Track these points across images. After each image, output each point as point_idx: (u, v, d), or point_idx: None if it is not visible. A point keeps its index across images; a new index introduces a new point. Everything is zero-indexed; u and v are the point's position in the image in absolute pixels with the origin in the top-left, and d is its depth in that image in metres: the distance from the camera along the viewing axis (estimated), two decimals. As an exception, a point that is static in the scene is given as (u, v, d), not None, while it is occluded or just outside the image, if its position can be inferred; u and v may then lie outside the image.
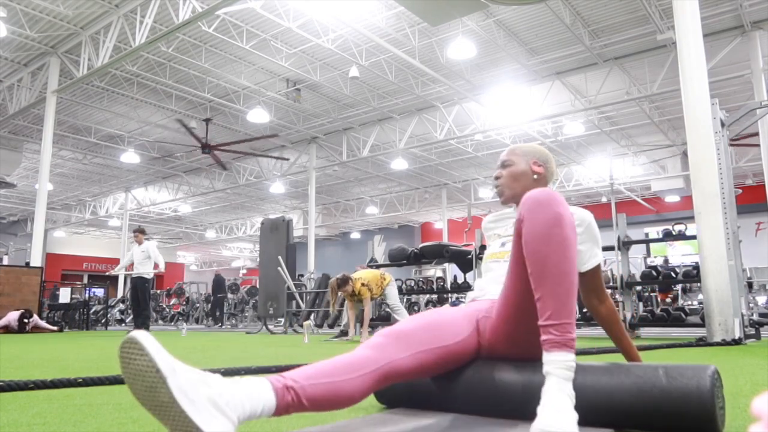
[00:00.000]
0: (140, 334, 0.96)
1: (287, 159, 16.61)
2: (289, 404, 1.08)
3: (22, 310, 10.03)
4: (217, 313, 16.05)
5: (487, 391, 1.47)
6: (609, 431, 1.30)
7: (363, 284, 6.72)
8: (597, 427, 1.31)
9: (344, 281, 6.67)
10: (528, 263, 1.30)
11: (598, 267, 1.65)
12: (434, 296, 11.97)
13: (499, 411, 1.45)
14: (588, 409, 1.30)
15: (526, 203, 1.33)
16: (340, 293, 6.86)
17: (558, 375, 1.23)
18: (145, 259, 9.28)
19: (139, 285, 9.25)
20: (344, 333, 7.17)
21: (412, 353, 1.33)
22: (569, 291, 1.26)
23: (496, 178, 1.75)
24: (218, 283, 16.37)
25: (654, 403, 1.26)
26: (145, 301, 9.28)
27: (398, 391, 1.67)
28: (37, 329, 10.27)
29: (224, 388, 1.00)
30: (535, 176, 1.71)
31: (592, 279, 1.64)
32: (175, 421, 0.94)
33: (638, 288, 8.41)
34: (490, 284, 1.66)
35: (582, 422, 1.25)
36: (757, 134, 10.30)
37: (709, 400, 1.22)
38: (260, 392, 1.04)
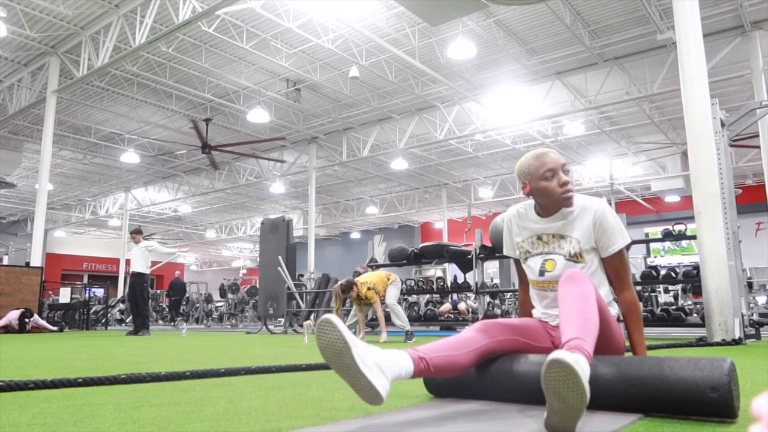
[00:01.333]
0: (333, 317, 1.34)
1: (284, 161, 16.66)
2: (422, 370, 1.48)
3: (23, 309, 10.03)
4: (173, 312, 16.98)
5: (528, 382, 1.66)
6: (638, 416, 1.47)
7: (369, 288, 6.68)
8: (627, 413, 1.49)
9: (349, 287, 6.62)
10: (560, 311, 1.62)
11: (617, 255, 1.81)
12: (435, 296, 11.96)
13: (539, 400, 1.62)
14: (618, 396, 1.51)
15: (563, 281, 1.67)
16: (346, 298, 6.82)
17: None
18: (141, 258, 9.27)
19: (137, 285, 9.25)
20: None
21: (505, 338, 1.71)
22: (586, 322, 1.50)
23: (567, 183, 1.79)
24: (174, 286, 16.99)
25: (678, 390, 1.44)
26: (144, 301, 9.28)
27: (443, 384, 1.87)
28: (37, 328, 10.27)
29: (384, 356, 1.39)
30: None
31: (611, 265, 1.83)
32: (354, 377, 1.33)
33: (638, 288, 8.42)
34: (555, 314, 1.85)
35: (613, 408, 1.51)
36: (756, 135, 10.29)
37: (728, 388, 1.40)
38: (404, 361, 1.44)
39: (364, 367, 1.32)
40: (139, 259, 9.28)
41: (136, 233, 9.48)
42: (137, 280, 9.26)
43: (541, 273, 1.85)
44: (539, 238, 1.87)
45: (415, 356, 1.47)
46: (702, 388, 1.42)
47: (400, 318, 6.88)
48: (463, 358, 1.57)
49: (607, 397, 1.52)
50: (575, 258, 1.80)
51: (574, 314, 1.52)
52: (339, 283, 6.74)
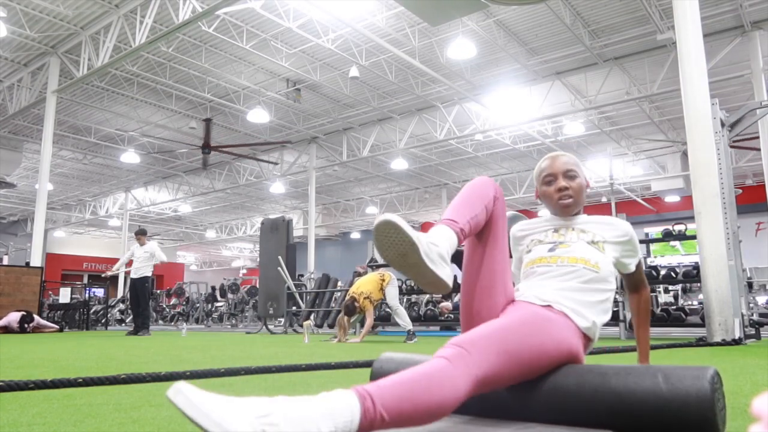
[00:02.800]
0: (393, 216, 1.27)
1: (276, 163, 16.76)
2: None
3: (23, 313, 9.98)
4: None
5: (512, 395, 1.41)
6: None
7: (365, 297, 6.78)
8: (595, 429, 1.29)
9: (352, 307, 6.71)
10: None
11: (636, 267, 1.79)
12: (435, 296, 11.95)
13: (519, 415, 1.41)
14: (587, 410, 1.30)
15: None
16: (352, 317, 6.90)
17: None
18: (147, 259, 9.26)
19: (139, 285, 9.25)
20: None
21: None
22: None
23: (564, 189, 1.71)
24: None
25: (652, 408, 1.24)
26: (145, 301, 9.28)
27: None
28: (38, 329, 10.26)
29: (442, 244, 1.36)
30: (588, 190, 1.80)
31: (634, 277, 1.82)
32: (420, 273, 1.30)
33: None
34: (546, 292, 1.57)
35: (581, 423, 1.29)
36: (757, 137, 10.28)
37: (709, 405, 1.19)
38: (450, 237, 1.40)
39: (430, 262, 1.30)
40: (142, 262, 9.26)
41: (141, 234, 9.46)
42: (139, 279, 9.25)
43: (552, 249, 1.68)
44: (556, 230, 1.74)
45: (456, 229, 1.46)
46: (681, 408, 1.21)
47: (402, 318, 6.91)
48: None
49: (572, 410, 1.33)
50: (596, 245, 1.66)
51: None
52: (342, 313, 6.78)
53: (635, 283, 1.84)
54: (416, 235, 1.29)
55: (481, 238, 1.55)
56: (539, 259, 1.67)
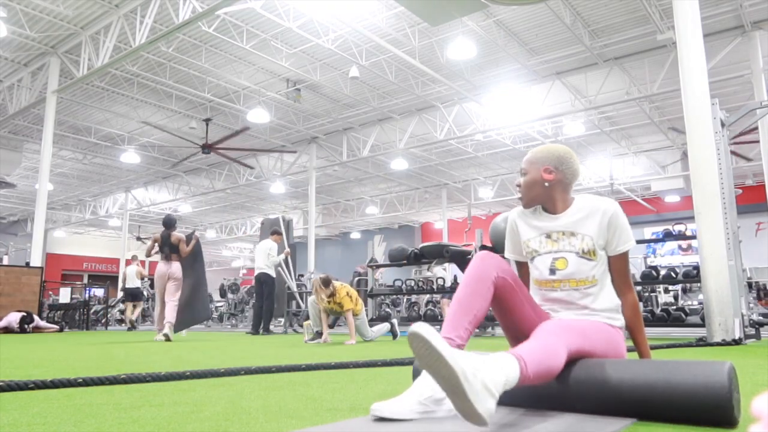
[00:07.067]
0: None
1: (253, 168, 16.99)
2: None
3: (23, 314, 9.97)
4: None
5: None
6: (632, 421, 1.43)
7: (347, 293, 6.34)
8: (620, 417, 1.46)
9: (327, 281, 6.30)
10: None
11: (622, 255, 1.81)
12: (436, 296, 11.95)
13: (535, 403, 1.60)
14: (612, 400, 1.47)
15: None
16: (323, 297, 6.49)
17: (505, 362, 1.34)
18: (265, 257, 9.57)
19: (264, 279, 9.54)
20: (319, 334, 6.90)
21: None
22: (543, 348, 1.46)
23: (518, 185, 1.89)
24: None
25: (674, 396, 1.40)
26: (270, 296, 9.51)
27: None
28: (38, 329, 10.26)
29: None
30: (546, 184, 1.82)
31: (615, 264, 1.83)
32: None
33: (638, 288, 8.45)
34: (559, 311, 1.83)
35: (607, 412, 1.48)
36: (757, 141, 10.28)
37: (727, 394, 1.35)
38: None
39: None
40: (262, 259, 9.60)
41: (275, 234, 9.81)
42: (264, 274, 9.53)
43: (552, 272, 1.80)
44: (548, 236, 1.83)
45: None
46: (700, 397, 1.36)
47: (363, 329, 6.65)
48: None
49: (600, 400, 1.48)
50: (588, 255, 1.77)
51: (540, 342, 1.48)
52: (317, 277, 6.41)
53: (618, 277, 1.83)
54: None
55: (504, 300, 1.72)
56: (543, 282, 1.83)
